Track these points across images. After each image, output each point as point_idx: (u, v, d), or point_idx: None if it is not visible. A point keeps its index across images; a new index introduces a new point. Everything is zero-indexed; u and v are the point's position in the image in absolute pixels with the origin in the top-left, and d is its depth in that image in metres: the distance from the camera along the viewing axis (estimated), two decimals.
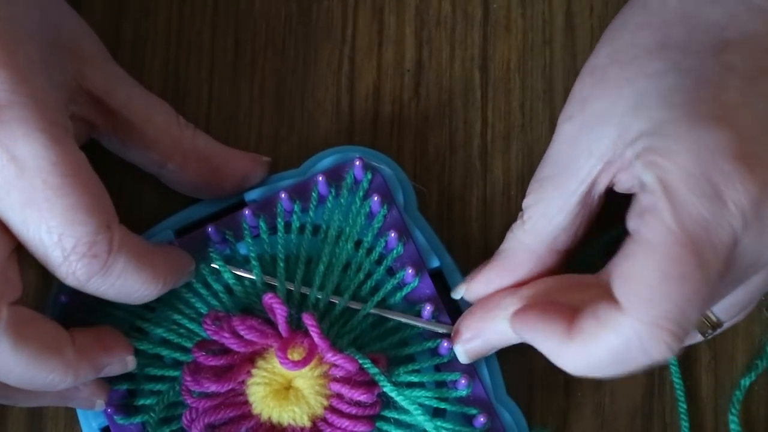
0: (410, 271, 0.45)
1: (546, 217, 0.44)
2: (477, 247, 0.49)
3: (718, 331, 0.45)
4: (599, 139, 0.42)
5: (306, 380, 0.44)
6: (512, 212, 0.49)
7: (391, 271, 0.46)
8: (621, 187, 0.43)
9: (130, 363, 0.45)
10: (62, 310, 0.46)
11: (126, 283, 0.41)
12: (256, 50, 0.51)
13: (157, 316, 0.46)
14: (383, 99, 0.50)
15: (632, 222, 0.41)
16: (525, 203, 0.44)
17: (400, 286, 0.46)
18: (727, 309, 0.44)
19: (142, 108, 0.46)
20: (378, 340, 0.46)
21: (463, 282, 0.46)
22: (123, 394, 0.46)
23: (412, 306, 0.46)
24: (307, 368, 0.44)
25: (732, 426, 0.47)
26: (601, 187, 0.43)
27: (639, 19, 0.43)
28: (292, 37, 0.51)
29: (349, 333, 0.45)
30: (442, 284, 0.47)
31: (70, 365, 0.41)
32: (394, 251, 0.46)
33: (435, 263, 0.47)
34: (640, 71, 0.42)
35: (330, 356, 0.43)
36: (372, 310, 0.46)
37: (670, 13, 0.43)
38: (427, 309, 0.45)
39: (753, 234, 0.39)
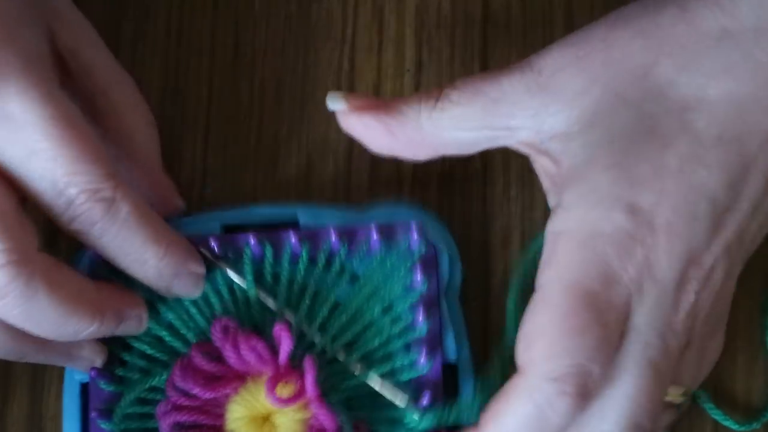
0: (424, 357, 0.45)
1: (456, 120, 0.42)
2: (475, 242, 0.49)
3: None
4: (550, 116, 0.41)
5: (285, 419, 0.44)
6: (511, 211, 0.49)
7: (407, 347, 0.46)
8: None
9: (144, 321, 0.45)
10: (89, 267, 0.46)
11: (128, 236, 0.41)
12: (256, 50, 0.51)
13: (175, 300, 0.46)
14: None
15: (539, 277, 0.41)
16: (452, 93, 0.42)
17: (410, 366, 0.45)
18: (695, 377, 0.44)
19: (101, 75, 0.45)
20: (369, 409, 0.45)
21: (346, 99, 0.44)
22: (111, 359, 0.46)
23: (411, 388, 0.45)
24: (290, 408, 0.44)
25: None
26: (513, 145, 0.42)
27: (648, 20, 0.42)
28: (292, 37, 0.51)
29: (344, 391, 0.45)
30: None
31: (96, 311, 0.41)
32: (417, 331, 0.45)
33: (452, 357, 0.46)
34: (610, 81, 0.41)
35: (315, 406, 0.43)
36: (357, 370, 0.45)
37: (672, 38, 0.41)
38: (426, 398, 0.45)
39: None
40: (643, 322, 0.40)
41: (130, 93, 0.46)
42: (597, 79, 0.41)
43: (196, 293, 0.45)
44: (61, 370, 0.47)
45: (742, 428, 0.47)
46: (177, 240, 0.44)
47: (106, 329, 0.42)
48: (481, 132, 0.42)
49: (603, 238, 0.39)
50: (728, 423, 0.47)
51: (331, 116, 0.50)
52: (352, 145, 0.49)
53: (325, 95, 0.50)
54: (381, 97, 0.46)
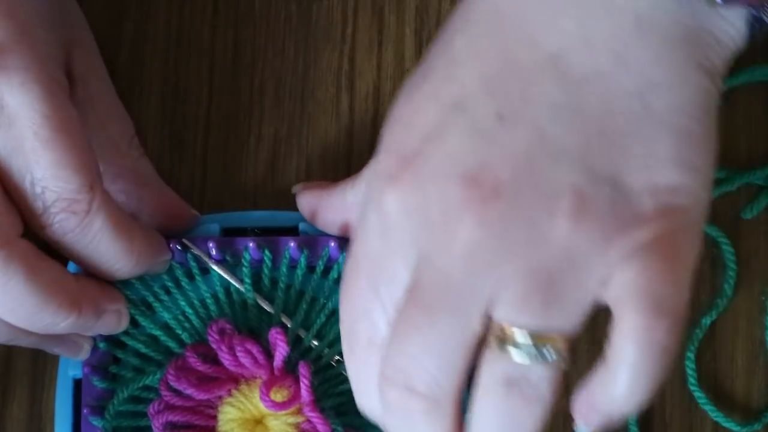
0: None
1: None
2: None
3: None
4: None
5: (278, 423, 0.44)
6: None
7: None
8: None
9: (123, 319, 0.45)
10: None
11: (99, 246, 0.41)
12: (256, 50, 0.51)
13: (171, 301, 0.46)
14: (383, 99, 0.50)
15: None
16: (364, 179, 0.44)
17: None
18: None
19: (103, 109, 0.46)
20: (360, 416, 0.44)
21: (303, 185, 0.47)
22: (105, 357, 0.46)
23: None
24: (282, 412, 0.44)
25: None
26: None
27: None
28: (292, 37, 0.51)
29: (337, 397, 0.45)
30: None
31: (74, 302, 0.41)
32: None
33: None
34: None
35: (308, 411, 0.43)
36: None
37: None
38: None
39: None
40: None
41: (127, 131, 0.47)
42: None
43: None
44: None
45: (744, 429, 0.47)
46: (150, 247, 0.44)
47: (84, 323, 0.42)
48: None
49: (371, 190, 0.40)
50: (729, 425, 0.47)
51: (331, 116, 0.50)
52: (352, 146, 0.49)
53: (325, 95, 0.50)
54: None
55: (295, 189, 0.47)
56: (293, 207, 0.48)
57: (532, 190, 0.36)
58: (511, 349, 0.36)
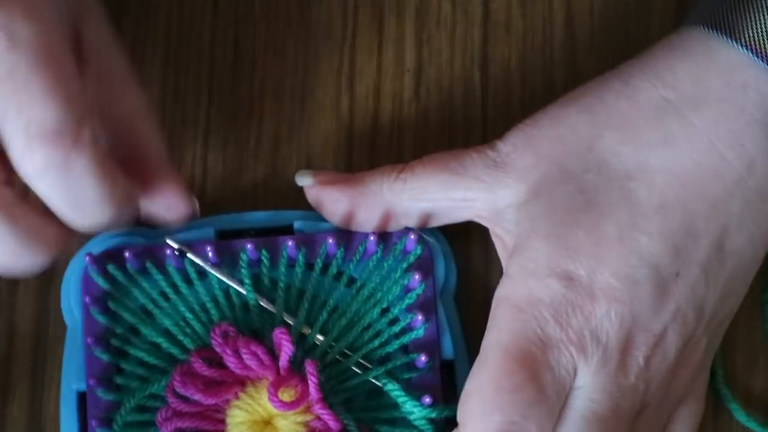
0: (423, 358, 0.45)
1: (416, 192, 0.45)
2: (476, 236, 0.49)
3: None
4: (504, 189, 0.44)
5: (287, 423, 0.44)
6: None
7: (405, 348, 0.46)
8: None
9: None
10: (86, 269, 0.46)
11: (80, 188, 0.39)
12: (256, 50, 0.51)
13: (171, 307, 0.46)
14: (383, 99, 0.50)
15: (483, 341, 0.42)
16: (416, 167, 0.45)
17: (409, 367, 0.46)
18: None
19: (118, 82, 0.44)
20: (368, 410, 0.45)
21: (313, 176, 0.46)
22: (108, 368, 0.46)
23: (412, 390, 0.45)
24: (291, 412, 0.44)
25: None
26: (473, 217, 0.45)
27: (596, 98, 0.44)
28: (292, 37, 0.51)
29: (344, 392, 0.45)
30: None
31: (55, 246, 0.41)
32: (415, 332, 0.46)
33: (449, 355, 0.46)
34: (556, 157, 0.43)
35: (318, 408, 0.43)
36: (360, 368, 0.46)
37: (617, 113, 0.43)
38: (426, 400, 0.45)
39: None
40: (589, 381, 0.41)
41: (140, 106, 0.45)
42: (545, 154, 0.43)
43: None
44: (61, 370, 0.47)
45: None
46: (128, 199, 0.42)
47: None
48: (439, 203, 0.45)
49: (540, 304, 0.41)
50: (751, 425, 0.47)
51: (332, 116, 0.50)
52: (353, 146, 0.49)
53: (325, 95, 0.50)
54: (348, 175, 0.47)
55: (302, 180, 0.47)
56: (294, 207, 0.48)
57: (679, 337, 0.42)
58: None
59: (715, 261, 0.42)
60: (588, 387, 0.41)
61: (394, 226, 0.46)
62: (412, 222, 0.46)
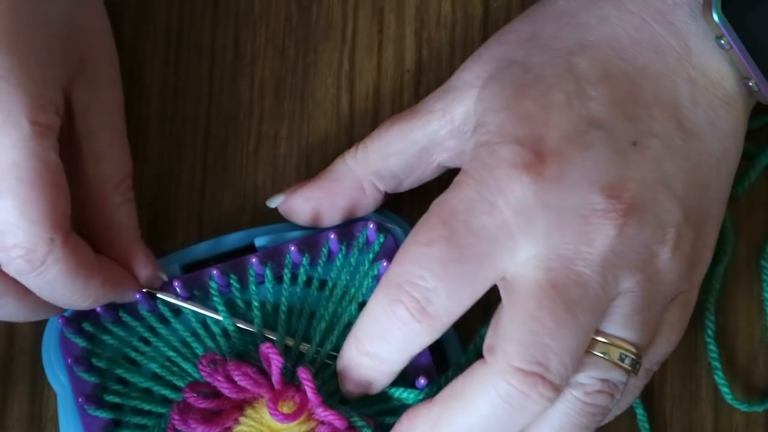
0: None
1: (380, 153, 0.45)
2: None
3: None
4: (457, 104, 0.44)
5: None
6: None
7: None
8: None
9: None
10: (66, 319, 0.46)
11: (55, 290, 0.42)
12: (256, 50, 0.51)
13: (153, 350, 0.46)
14: (383, 99, 0.50)
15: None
16: (372, 133, 0.46)
17: None
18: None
19: (99, 145, 0.45)
20: (365, 405, 0.45)
21: (282, 193, 0.47)
22: (107, 423, 0.45)
23: (405, 375, 0.45)
24: (294, 423, 0.44)
25: None
26: (444, 157, 0.45)
27: (533, 11, 0.45)
28: (292, 37, 0.51)
29: (339, 393, 0.45)
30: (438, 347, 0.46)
31: (99, 291, 0.43)
32: None
33: None
34: (501, 54, 0.44)
35: (321, 411, 0.43)
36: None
37: (552, 11, 0.44)
38: (421, 382, 0.45)
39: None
40: (541, 249, 0.40)
41: (117, 174, 0.45)
42: (491, 58, 0.44)
43: None
44: None
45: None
46: (109, 288, 0.44)
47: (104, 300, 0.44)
48: (406, 156, 0.45)
49: (485, 169, 0.41)
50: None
51: (331, 116, 0.50)
52: (353, 146, 0.49)
53: (325, 95, 0.50)
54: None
55: (274, 203, 0.47)
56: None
57: (653, 216, 0.41)
58: (610, 358, 0.41)
59: (675, 138, 0.42)
60: (541, 255, 0.40)
61: (369, 203, 0.46)
62: (387, 184, 0.46)
